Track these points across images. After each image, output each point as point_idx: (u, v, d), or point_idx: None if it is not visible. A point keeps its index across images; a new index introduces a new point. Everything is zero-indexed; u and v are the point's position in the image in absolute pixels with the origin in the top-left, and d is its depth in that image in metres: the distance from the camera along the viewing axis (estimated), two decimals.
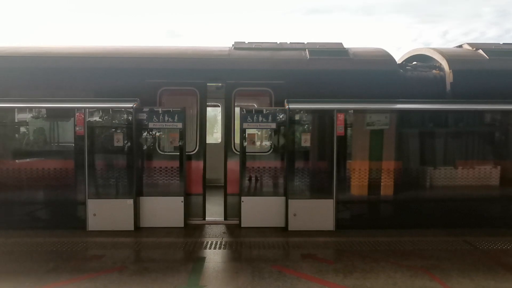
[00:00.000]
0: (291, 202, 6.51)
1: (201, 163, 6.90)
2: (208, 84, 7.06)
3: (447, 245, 5.74)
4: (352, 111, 6.72)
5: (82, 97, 6.63)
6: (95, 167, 6.54)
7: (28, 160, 6.71)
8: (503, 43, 8.16)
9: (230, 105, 7.02)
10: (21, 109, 6.74)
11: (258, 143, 7.20)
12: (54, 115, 6.80)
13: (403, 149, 7.04)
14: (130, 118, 6.53)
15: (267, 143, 7.28)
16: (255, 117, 6.60)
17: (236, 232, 6.40)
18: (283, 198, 6.61)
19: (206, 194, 6.96)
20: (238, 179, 6.69)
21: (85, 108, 6.40)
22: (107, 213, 6.46)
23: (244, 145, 6.63)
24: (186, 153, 6.73)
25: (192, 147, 6.96)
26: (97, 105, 6.57)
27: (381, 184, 6.76)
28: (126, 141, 6.57)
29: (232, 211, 6.88)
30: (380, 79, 7.01)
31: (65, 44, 9.31)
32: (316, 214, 6.53)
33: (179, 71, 7.01)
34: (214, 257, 5.25)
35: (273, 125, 6.66)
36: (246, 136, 6.62)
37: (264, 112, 6.65)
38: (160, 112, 6.57)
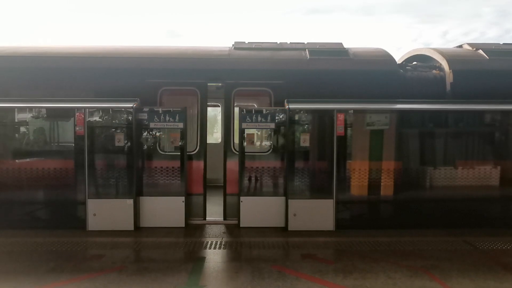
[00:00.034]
0: (291, 202, 6.51)
1: (201, 163, 6.90)
2: (208, 84, 7.06)
3: (447, 245, 5.74)
4: (352, 111, 6.72)
5: (82, 97, 6.63)
6: (95, 167, 6.54)
7: (28, 160, 6.72)
8: (503, 43, 8.15)
9: (229, 105, 7.01)
10: (21, 109, 6.75)
11: (257, 143, 7.20)
12: (54, 115, 6.81)
13: (403, 149, 7.04)
14: (130, 118, 6.53)
15: (266, 143, 7.27)
16: (254, 117, 6.60)
17: (236, 232, 6.40)
18: (283, 198, 6.61)
19: (206, 194, 6.96)
20: (237, 179, 6.69)
21: (85, 108, 6.40)
22: (107, 213, 6.47)
23: (243, 145, 6.63)
24: (187, 153, 6.74)
25: (192, 147, 6.96)
26: (97, 105, 6.57)
27: (381, 184, 6.76)
28: (126, 141, 6.57)
29: (231, 211, 6.87)
30: (380, 79, 7.00)
31: (65, 44, 9.31)
32: (316, 214, 6.53)
33: (179, 71, 7.00)
34: (214, 257, 5.25)
35: (272, 125, 6.66)
36: (245, 136, 6.62)
37: (264, 112, 6.65)
38: (161, 112, 6.58)
